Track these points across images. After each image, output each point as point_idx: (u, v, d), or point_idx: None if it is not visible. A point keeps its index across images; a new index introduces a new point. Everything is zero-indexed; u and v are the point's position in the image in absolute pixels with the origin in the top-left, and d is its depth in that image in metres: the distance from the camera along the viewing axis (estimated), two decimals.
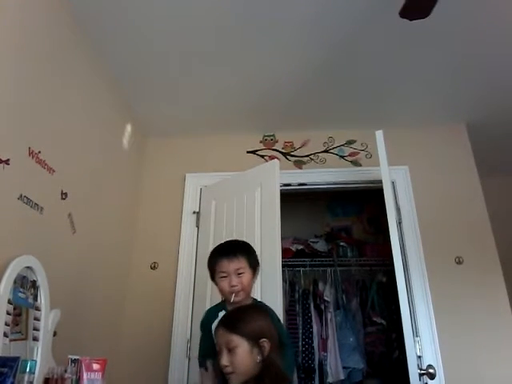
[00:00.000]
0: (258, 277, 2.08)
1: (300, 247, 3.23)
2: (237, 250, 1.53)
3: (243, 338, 1.23)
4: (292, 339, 2.77)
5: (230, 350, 1.23)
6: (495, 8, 1.90)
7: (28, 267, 1.46)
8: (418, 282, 2.34)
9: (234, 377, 1.23)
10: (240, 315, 1.32)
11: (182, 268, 2.53)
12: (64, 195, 1.83)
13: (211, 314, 1.55)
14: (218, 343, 1.28)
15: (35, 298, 1.49)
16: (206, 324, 1.56)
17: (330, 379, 2.69)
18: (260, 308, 1.46)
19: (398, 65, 2.27)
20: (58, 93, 1.82)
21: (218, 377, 1.35)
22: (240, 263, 1.49)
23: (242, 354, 1.22)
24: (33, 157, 1.60)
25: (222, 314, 1.47)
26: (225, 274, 1.49)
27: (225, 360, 1.23)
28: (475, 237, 2.46)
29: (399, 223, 2.47)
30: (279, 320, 1.56)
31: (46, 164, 1.68)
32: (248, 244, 1.62)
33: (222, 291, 1.51)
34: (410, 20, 1.70)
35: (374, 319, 2.88)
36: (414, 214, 2.52)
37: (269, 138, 2.89)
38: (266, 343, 1.24)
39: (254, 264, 1.54)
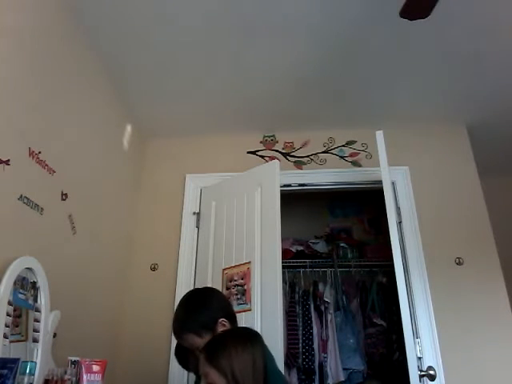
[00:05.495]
0: (259, 277, 2.11)
1: (300, 248, 3.22)
2: (178, 331, 1.41)
3: (221, 374, 1.12)
4: (293, 341, 2.77)
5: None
6: (496, 9, 1.91)
7: (28, 268, 1.46)
8: (418, 283, 2.33)
9: None
10: (227, 347, 1.18)
11: (182, 269, 2.53)
12: (64, 196, 1.83)
13: None
14: (200, 369, 1.19)
15: (35, 299, 1.48)
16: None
17: (330, 381, 2.68)
18: (253, 339, 1.25)
19: (398, 65, 2.27)
20: (58, 93, 1.81)
21: None
22: (188, 342, 1.37)
23: None
24: (33, 157, 1.59)
25: None
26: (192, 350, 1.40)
27: None
28: (475, 237, 2.45)
29: (399, 224, 2.47)
30: (271, 358, 1.33)
31: (46, 164, 1.67)
32: (186, 309, 1.44)
33: None
34: (411, 20, 1.69)
35: (375, 320, 2.88)
36: (414, 215, 2.52)
37: (269, 139, 2.88)
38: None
39: (202, 327, 1.36)
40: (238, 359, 1.15)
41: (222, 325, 1.39)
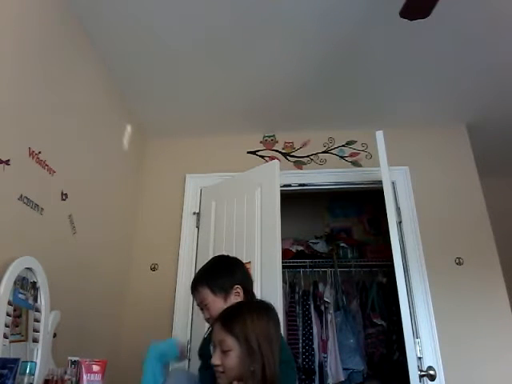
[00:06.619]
0: (259, 277, 2.11)
1: (300, 248, 3.22)
2: (196, 282, 1.48)
3: (237, 341, 1.13)
4: (293, 341, 2.77)
5: (223, 352, 1.14)
6: (495, 9, 1.91)
7: (28, 268, 1.46)
8: (418, 283, 2.34)
9: (223, 376, 1.14)
10: (242, 314, 1.19)
11: (182, 269, 2.53)
12: (64, 196, 1.83)
13: (206, 342, 1.42)
14: (213, 339, 1.19)
15: (35, 299, 1.49)
16: (204, 352, 1.44)
17: (330, 381, 2.67)
18: (268, 312, 1.25)
19: (398, 65, 2.27)
20: (59, 93, 1.81)
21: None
22: (201, 295, 1.44)
23: (234, 359, 1.12)
24: (33, 157, 1.59)
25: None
26: (199, 307, 1.49)
27: (216, 359, 1.14)
28: (475, 237, 2.45)
29: (399, 224, 2.47)
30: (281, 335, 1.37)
31: (46, 164, 1.67)
32: (211, 267, 1.54)
33: None
34: (411, 20, 1.70)
35: (375, 320, 2.88)
36: (414, 215, 2.52)
37: (269, 139, 2.89)
38: (265, 353, 1.11)
39: (219, 286, 1.42)
40: (253, 327, 1.15)
41: (236, 292, 1.43)
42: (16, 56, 1.53)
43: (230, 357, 1.13)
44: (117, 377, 2.13)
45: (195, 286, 1.47)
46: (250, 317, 1.18)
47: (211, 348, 1.24)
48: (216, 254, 2.38)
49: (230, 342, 1.13)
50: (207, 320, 1.44)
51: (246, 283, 1.49)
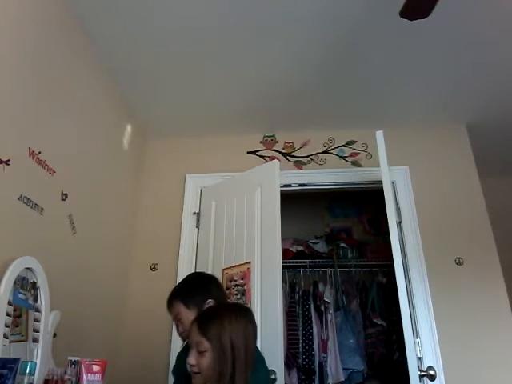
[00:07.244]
0: (259, 277, 2.11)
1: (300, 248, 3.22)
2: (171, 298, 1.55)
3: (212, 344, 1.15)
4: (293, 341, 2.77)
5: (199, 352, 1.17)
6: (495, 10, 1.91)
7: (28, 268, 1.46)
8: (418, 283, 2.34)
9: (197, 377, 1.18)
10: (220, 317, 1.21)
11: (182, 269, 2.52)
12: (64, 196, 1.83)
13: (181, 359, 1.44)
14: (190, 339, 1.23)
15: (35, 299, 1.49)
16: (176, 370, 1.52)
17: (330, 381, 2.68)
18: (246, 314, 1.28)
19: (398, 65, 2.27)
20: (59, 93, 1.82)
21: None
22: (175, 310, 1.51)
23: (209, 360, 1.15)
24: (33, 157, 1.59)
25: None
26: (174, 322, 1.56)
27: (192, 359, 1.18)
28: (475, 237, 2.45)
29: (399, 224, 2.47)
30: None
31: (46, 164, 1.67)
32: (185, 283, 1.62)
33: None
34: (411, 20, 1.70)
35: (375, 320, 2.88)
36: (414, 215, 2.52)
37: (269, 139, 2.89)
38: (237, 357, 1.14)
39: (192, 301, 1.49)
40: (230, 329, 1.18)
41: (202, 305, 1.49)
42: (15, 56, 1.53)
43: (205, 357, 1.16)
44: (117, 377, 2.13)
45: (170, 302, 1.55)
46: (228, 319, 1.20)
47: (188, 366, 1.24)
48: (216, 254, 2.41)
49: (206, 343, 1.16)
50: (180, 334, 1.50)
51: (220, 298, 1.55)
